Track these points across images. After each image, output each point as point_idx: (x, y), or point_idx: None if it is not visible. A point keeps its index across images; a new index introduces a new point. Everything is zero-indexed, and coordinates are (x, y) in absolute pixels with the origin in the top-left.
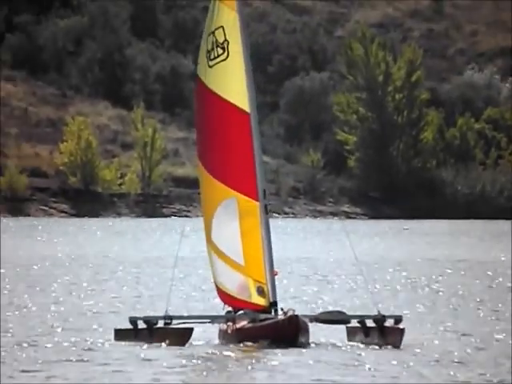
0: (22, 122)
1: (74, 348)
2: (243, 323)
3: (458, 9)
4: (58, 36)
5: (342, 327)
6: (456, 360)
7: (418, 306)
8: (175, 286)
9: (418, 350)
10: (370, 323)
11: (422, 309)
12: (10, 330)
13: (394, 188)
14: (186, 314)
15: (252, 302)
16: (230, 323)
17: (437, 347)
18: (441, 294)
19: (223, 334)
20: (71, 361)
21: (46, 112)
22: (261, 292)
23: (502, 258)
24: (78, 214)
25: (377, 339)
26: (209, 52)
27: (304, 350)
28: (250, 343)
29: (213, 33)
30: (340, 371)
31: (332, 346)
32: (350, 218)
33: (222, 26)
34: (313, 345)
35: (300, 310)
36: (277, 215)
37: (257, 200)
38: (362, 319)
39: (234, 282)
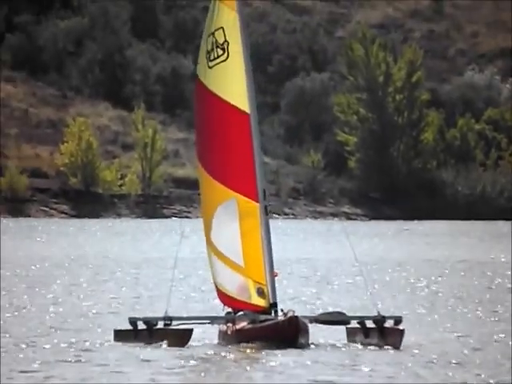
0: (23, 122)
1: (73, 349)
2: (243, 324)
3: (458, 9)
4: (59, 37)
5: (342, 328)
6: (455, 361)
7: (418, 307)
8: (175, 286)
9: (418, 351)
10: (369, 324)
11: (422, 310)
12: (10, 331)
13: (395, 189)
14: (185, 315)
15: (252, 303)
16: (229, 324)
17: (436, 348)
18: (441, 294)
19: (223, 335)
20: (70, 361)
21: (46, 113)
22: (261, 293)
23: (502, 259)
24: (79, 215)
25: (377, 340)
26: (208, 53)
27: (304, 351)
28: (249, 344)
29: (213, 34)
30: (339, 372)
31: (332, 346)
32: (351, 218)
33: (221, 27)
34: (312, 346)
35: (300, 311)
36: (277, 216)
37: (257, 201)
38: (361, 320)
39: (233, 283)
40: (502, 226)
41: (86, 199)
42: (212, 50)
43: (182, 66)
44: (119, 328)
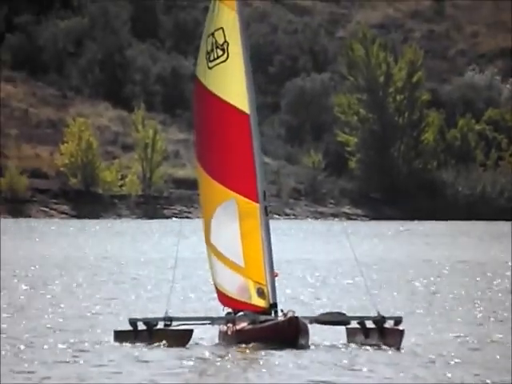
0: (23, 122)
1: (72, 349)
2: (243, 325)
3: (458, 10)
4: (59, 37)
5: (342, 328)
6: (454, 361)
7: (418, 308)
8: (175, 287)
9: (418, 351)
10: (369, 324)
11: (422, 310)
12: (9, 331)
13: (395, 189)
14: (185, 316)
15: (252, 303)
16: (229, 325)
17: (436, 348)
18: (440, 295)
19: (223, 336)
20: (69, 362)
21: (46, 113)
22: (261, 293)
23: (503, 259)
24: (79, 216)
25: (376, 340)
26: (208, 53)
27: (304, 352)
28: (249, 345)
29: (212, 34)
30: (338, 372)
31: (332, 347)
32: (351, 219)
33: (221, 28)
34: (313, 346)
35: (300, 312)
36: (278, 216)
37: (257, 201)
38: (361, 320)
39: (233, 284)
40: (502, 226)
41: (86, 200)
42: (212, 50)
43: (182, 66)
44: (119, 329)
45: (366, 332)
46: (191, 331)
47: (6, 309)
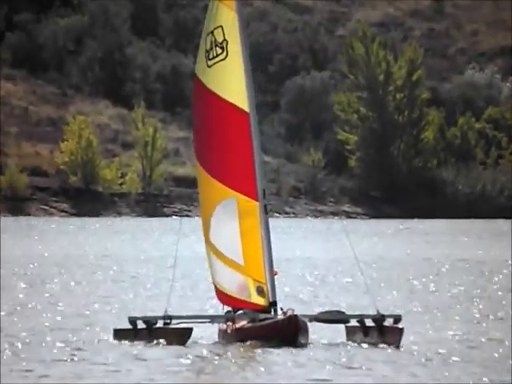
0: (23, 120)
1: (71, 348)
2: (243, 323)
3: (458, 8)
4: (59, 35)
5: (342, 327)
6: (453, 359)
7: (417, 306)
8: (174, 285)
9: (417, 350)
10: (369, 323)
11: (421, 308)
12: (7, 330)
13: (395, 187)
14: (185, 314)
15: (252, 301)
16: (229, 323)
17: (435, 346)
18: (440, 293)
19: (223, 334)
20: (69, 360)
21: (46, 111)
22: (260, 292)
23: (502, 258)
24: (79, 214)
25: (376, 338)
26: (207, 52)
27: (302, 350)
28: (249, 343)
29: (211, 32)
30: (337, 371)
31: (331, 345)
32: (351, 217)
33: (220, 26)
34: (312, 344)
35: (299, 310)
36: (277, 215)
37: (256, 200)
38: (361, 319)
39: (233, 282)
40: (502, 224)
41: (86, 198)
42: (211, 48)
43: (182, 65)
44: (119, 327)
45: (366, 330)
46: (191, 330)
47: (4, 307)
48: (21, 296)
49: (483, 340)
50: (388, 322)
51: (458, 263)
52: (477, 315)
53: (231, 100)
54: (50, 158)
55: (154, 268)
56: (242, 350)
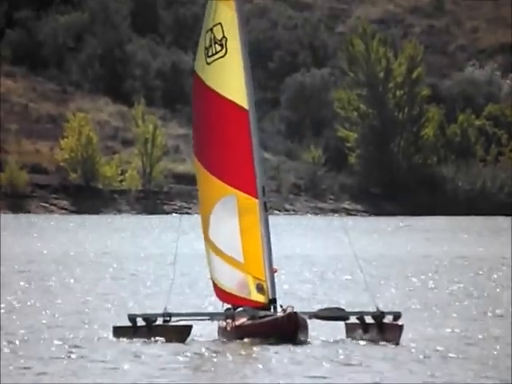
0: (23, 117)
1: (69, 345)
2: (242, 320)
3: (458, 5)
4: (59, 32)
5: (341, 324)
6: (452, 356)
7: (417, 303)
8: (174, 283)
9: (416, 347)
10: (368, 319)
11: (421, 305)
12: (5, 328)
13: (395, 184)
14: (184, 312)
15: (251, 299)
16: (229, 320)
17: (434, 343)
18: (440, 290)
19: (222, 331)
20: (68, 358)
21: (46, 108)
22: (260, 289)
23: (502, 255)
24: (79, 211)
25: (376, 335)
26: (207, 49)
27: (301, 347)
28: (248, 340)
29: (211, 30)
30: (336, 368)
31: (331, 342)
32: (351, 214)
33: (220, 23)
34: (312, 341)
35: (299, 307)
36: (277, 212)
37: (256, 197)
38: (360, 316)
39: (233, 280)
40: (501, 221)
41: (86, 195)
42: (210, 46)
43: (182, 62)
44: (118, 324)
45: (365, 327)
46: (190, 327)
47: (3, 305)
48: (19, 293)
49: (482, 337)
50: (388, 319)
51: (457, 260)
52: (476, 312)
53: (230, 97)
54: (49, 155)
55: (153, 265)
56: (241, 347)
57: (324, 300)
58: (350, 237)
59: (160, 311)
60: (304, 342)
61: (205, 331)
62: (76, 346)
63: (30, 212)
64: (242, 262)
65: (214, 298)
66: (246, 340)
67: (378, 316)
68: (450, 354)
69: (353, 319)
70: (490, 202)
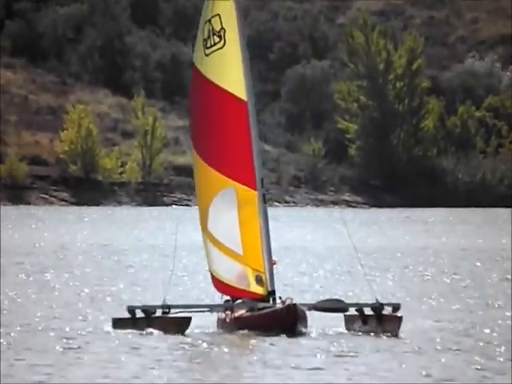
0: (22, 109)
1: (66, 337)
2: (241, 312)
3: None
4: (58, 23)
5: (340, 315)
6: (451, 347)
7: (416, 294)
8: (174, 274)
9: (415, 338)
10: (367, 311)
11: (420, 297)
12: (2, 319)
13: (395, 176)
14: (184, 303)
15: (250, 290)
16: (228, 312)
17: (433, 334)
18: (439, 281)
19: (221, 323)
20: (61, 349)
21: (45, 99)
22: (259, 281)
23: (502, 246)
24: (79, 203)
25: (375, 327)
26: (205, 40)
27: (302, 339)
28: (247, 332)
29: (209, 21)
30: (333, 359)
31: (330, 334)
32: (351, 206)
33: (218, 14)
34: (310, 333)
35: (298, 299)
36: (278, 204)
37: (255, 189)
38: (359, 307)
39: (232, 272)
40: (501, 213)
41: (85, 187)
42: (208, 37)
43: (181, 53)
44: (117, 316)
45: (364, 319)
46: (189, 319)
47: (1, 296)
48: (17, 285)
49: (482, 329)
50: (387, 311)
51: (457, 252)
52: (476, 304)
53: (230, 89)
54: (49, 147)
55: (152, 257)
56: (240, 339)
57: (323, 292)
58: (350, 229)
59: (159, 303)
60: (303, 334)
61: (204, 323)
62: (74, 338)
63: (29, 204)
64: (241, 253)
65: (213, 290)
66: (245, 332)
67: (377, 308)
68: (450, 346)
69: (352, 311)
70: (490, 193)
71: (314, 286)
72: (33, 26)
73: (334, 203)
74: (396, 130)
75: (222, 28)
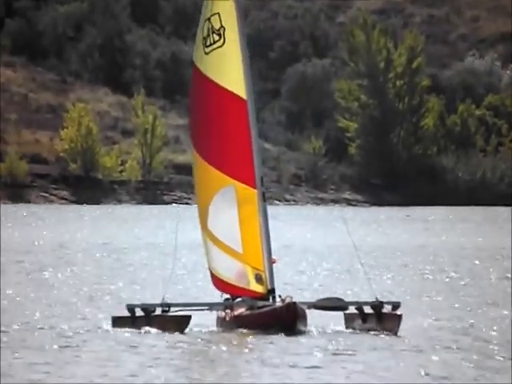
0: (22, 107)
1: (65, 336)
2: (241, 310)
3: None
4: (58, 21)
5: (340, 314)
6: (450, 346)
7: (416, 293)
8: (173, 273)
9: (415, 336)
10: (367, 310)
11: (420, 295)
12: (1, 318)
13: (395, 175)
14: (183, 302)
15: (250, 289)
16: (227, 310)
17: (433, 333)
18: (439, 280)
19: (221, 322)
20: (63, 348)
21: (46, 98)
22: (259, 279)
23: (502, 245)
24: (79, 201)
25: (374, 325)
26: (205, 39)
27: (299, 337)
28: (247, 330)
29: (208, 19)
30: (332, 357)
31: (329, 332)
32: (351, 205)
33: (217, 13)
34: (310, 332)
35: (298, 297)
36: (278, 202)
37: (254, 188)
38: (359, 306)
39: (231, 270)
40: (502, 211)
41: (85, 185)
42: (208, 35)
43: (181, 52)
44: (117, 315)
45: (364, 317)
46: (189, 317)
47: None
48: (17, 283)
49: (482, 327)
50: (386, 309)
51: (457, 250)
52: (475, 302)
53: (229, 88)
54: (49, 146)
55: (152, 256)
56: (239, 337)
57: (323, 290)
58: (350, 227)
59: (159, 301)
60: (302, 332)
61: (204, 321)
62: (74, 337)
63: (29, 202)
64: (241, 252)
65: (213, 288)
66: (244, 330)
67: (377, 306)
68: (450, 344)
69: (352, 309)
70: (490, 192)
71: (313, 285)
72: (33, 24)
73: (334, 202)
74: (396, 128)
75: (222, 26)
